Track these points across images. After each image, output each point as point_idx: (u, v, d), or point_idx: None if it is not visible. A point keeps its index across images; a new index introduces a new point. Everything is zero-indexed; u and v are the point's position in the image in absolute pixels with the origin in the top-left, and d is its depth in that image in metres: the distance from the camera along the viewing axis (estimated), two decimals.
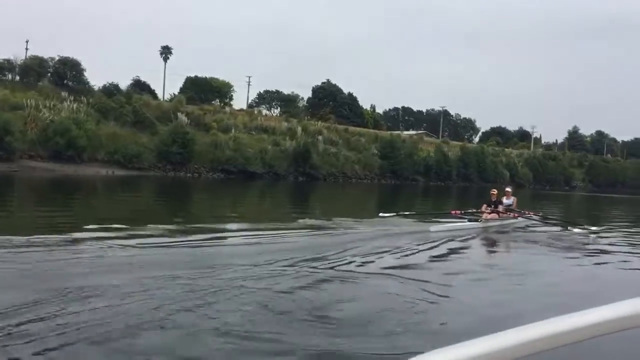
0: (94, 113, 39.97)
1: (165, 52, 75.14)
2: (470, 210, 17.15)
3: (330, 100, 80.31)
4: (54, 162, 34.26)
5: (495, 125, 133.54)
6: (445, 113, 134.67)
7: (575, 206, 39.12)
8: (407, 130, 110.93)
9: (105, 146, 37.32)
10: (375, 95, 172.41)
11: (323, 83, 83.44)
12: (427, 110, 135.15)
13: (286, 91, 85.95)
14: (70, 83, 43.89)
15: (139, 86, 70.91)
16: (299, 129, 56.36)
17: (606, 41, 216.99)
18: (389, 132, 72.39)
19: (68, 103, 37.91)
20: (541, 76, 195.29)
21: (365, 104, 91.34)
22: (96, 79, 67.95)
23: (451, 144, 77.46)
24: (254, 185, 39.30)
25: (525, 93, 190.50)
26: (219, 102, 68.73)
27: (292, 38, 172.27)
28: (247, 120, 54.58)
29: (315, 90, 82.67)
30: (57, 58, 43.84)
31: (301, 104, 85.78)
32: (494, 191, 17.40)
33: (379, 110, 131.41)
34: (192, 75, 70.84)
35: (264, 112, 70.06)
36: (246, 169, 44.83)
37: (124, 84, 71.15)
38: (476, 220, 16.01)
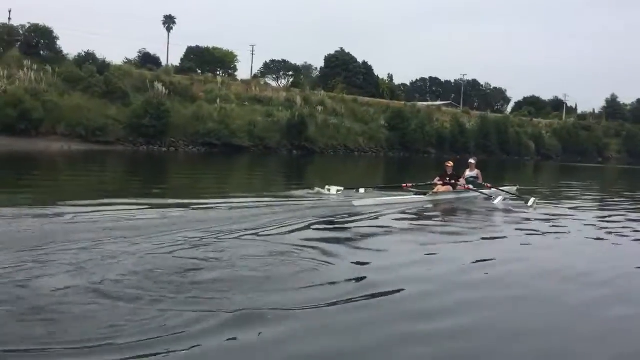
0: (60, 83, 37.06)
1: (169, 21, 72.13)
2: (423, 184, 15.80)
3: (343, 70, 76.04)
4: (6, 136, 31.47)
5: (528, 94, 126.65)
6: (474, 83, 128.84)
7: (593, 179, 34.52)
8: (435, 101, 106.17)
9: (66, 119, 34.39)
10: (401, 65, 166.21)
11: (336, 52, 79.08)
12: (456, 81, 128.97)
13: (299, 62, 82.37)
14: (42, 52, 41.03)
15: (148, 59, 68.36)
16: (298, 99, 52.65)
17: None
18: (403, 102, 67.83)
19: (25, 72, 34.92)
20: (578, 43, 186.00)
21: (388, 74, 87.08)
22: (107, 53, 65.71)
23: (472, 114, 72.46)
24: (233, 159, 35.93)
25: (561, 61, 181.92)
26: (222, 72, 65.51)
27: (312, 8, 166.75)
28: (241, 91, 51.12)
29: (328, 59, 78.45)
30: (27, 26, 41.01)
31: (314, 74, 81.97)
32: (449, 163, 15.98)
33: (405, 81, 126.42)
34: (194, 45, 67.62)
35: (271, 83, 66.79)
36: (231, 142, 41.47)
37: (131, 56, 69.57)
38: (425, 194, 14.86)
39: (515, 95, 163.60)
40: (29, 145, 31.05)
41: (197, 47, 67.14)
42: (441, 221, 12.53)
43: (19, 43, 40.83)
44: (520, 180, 22.93)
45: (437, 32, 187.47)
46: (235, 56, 68.16)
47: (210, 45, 67.53)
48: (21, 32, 41.03)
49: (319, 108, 52.04)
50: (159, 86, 40.71)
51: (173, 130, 39.69)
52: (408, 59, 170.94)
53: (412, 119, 58.22)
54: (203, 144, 40.48)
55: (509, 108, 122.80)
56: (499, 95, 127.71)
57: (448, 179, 15.56)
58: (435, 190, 15.25)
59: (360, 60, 79.37)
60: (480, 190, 15.93)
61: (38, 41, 41.23)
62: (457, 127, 61.62)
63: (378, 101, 64.34)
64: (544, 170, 47.03)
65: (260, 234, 8.49)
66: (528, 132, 73.00)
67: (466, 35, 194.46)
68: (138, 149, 37.15)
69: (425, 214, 12.95)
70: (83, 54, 41.56)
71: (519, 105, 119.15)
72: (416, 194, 15.00)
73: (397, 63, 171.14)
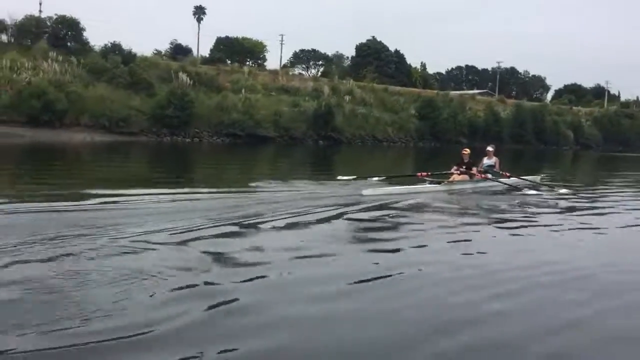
0: (85, 75, 37.22)
1: (199, 12, 72.07)
2: (438, 172, 15.12)
3: (375, 59, 74.81)
4: (30, 128, 31.77)
5: (569, 82, 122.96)
6: (512, 70, 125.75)
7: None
8: (471, 90, 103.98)
9: (89, 110, 34.50)
10: (436, 53, 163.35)
11: (368, 40, 77.84)
12: (493, 69, 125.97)
13: (330, 51, 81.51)
14: (69, 44, 41.29)
15: (179, 50, 68.56)
16: (326, 88, 51.92)
17: None
18: (435, 91, 66.37)
19: (49, 63, 35.11)
20: (622, 28, 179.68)
21: (421, 63, 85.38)
22: (138, 45, 66.11)
23: (508, 103, 70.42)
24: (257, 150, 35.52)
25: (603, 47, 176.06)
26: (252, 63, 65.17)
27: None
28: (268, 81, 50.66)
29: (359, 48, 77.30)
30: (55, 17, 41.32)
31: (346, 63, 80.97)
32: (466, 150, 15.28)
33: (441, 69, 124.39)
34: (224, 35, 67.35)
35: (300, 72, 66.10)
36: (256, 133, 41.08)
37: (162, 48, 69.85)
38: (439, 183, 14.30)
39: (556, 83, 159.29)
40: (53, 137, 31.27)
41: (227, 37, 66.90)
42: (455, 211, 11.57)
43: (46, 35, 41.06)
44: (555, 170, 21.89)
45: (473, 19, 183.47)
46: (265, 46, 67.73)
47: (240, 36, 67.07)
48: (49, 23, 41.28)
49: (347, 97, 51.16)
50: (183, 76, 40.52)
51: (197, 121, 39.52)
52: (444, 47, 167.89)
53: (443, 108, 56.90)
54: (227, 134, 40.20)
55: (549, 96, 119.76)
56: (538, 83, 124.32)
57: (465, 167, 14.90)
58: (451, 179, 14.67)
59: (392, 49, 78.10)
60: (499, 180, 15.19)
61: (65, 33, 41.46)
62: (491, 115, 59.88)
63: (409, 90, 63.04)
64: (581, 160, 45.28)
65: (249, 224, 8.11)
66: (567, 120, 70.55)
67: (502, 21, 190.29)
68: (162, 140, 37.10)
69: (437, 203, 12.14)
70: (109, 45, 41.68)
71: (559, 93, 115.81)
72: (431, 183, 14.36)
73: (432, 51, 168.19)
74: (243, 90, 43.86)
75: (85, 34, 42.14)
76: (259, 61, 66.69)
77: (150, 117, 36.94)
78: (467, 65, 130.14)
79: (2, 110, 31.69)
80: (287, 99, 47.63)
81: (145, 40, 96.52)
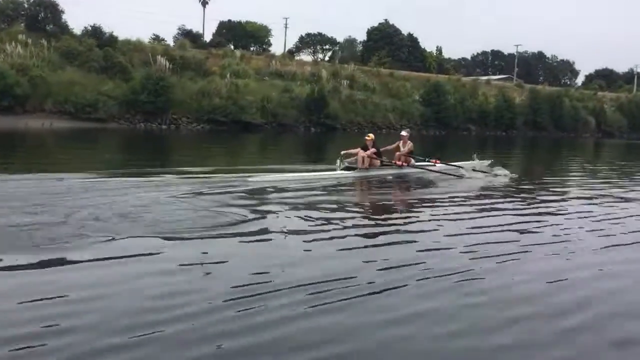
0: (57, 58, 35.50)
1: None
2: (352, 159, 14.43)
3: (387, 43, 71.73)
4: None
5: (600, 67, 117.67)
6: (539, 55, 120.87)
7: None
8: (496, 75, 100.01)
9: (55, 95, 32.76)
10: (461, 38, 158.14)
11: (380, 24, 74.74)
12: (519, 53, 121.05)
13: (341, 36, 78.85)
14: (48, 27, 39.64)
15: (189, 36, 66.74)
16: (324, 73, 49.37)
17: None
18: (447, 76, 63.06)
19: (12, 46, 33.42)
20: None
21: (437, 47, 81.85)
22: (144, 31, 64.28)
23: (526, 88, 66.61)
24: (236, 137, 33.32)
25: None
26: (256, 47, 62.94)
27: None
28: (262, 66, 48.34)
29: (370, 32, 74.28)
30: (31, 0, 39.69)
31: (358, 48, 78.05)
32: (369, 136, 14.74)
33: (466, 54, 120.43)
34: (226, 19, 65.18)
35: (306, 57, 63.53)
36: (240, 119, 38.86)
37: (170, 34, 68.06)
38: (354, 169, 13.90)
39: (587, 68, 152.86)
40: (9, 123, 29.55)
41: (229, 21, 64.72)
42: (335, 200, 10.40)
43: (24, 18, 39.52)
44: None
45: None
46: (269, 30, 65.28)
47: (244, 20, 64.84)
48: (26, 6, 39.70)
49: (344, 82, 48.51)
50: (161, 60, 38.44)
51: (175, 107, 37.52)
52: (467, 31, 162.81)
53: (451, 93, 53.82)
54: (209, 121, 38.08)
55: (579, 82, 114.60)
56: (567, 68, 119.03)
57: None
58: (360, 165, 14.10)
59: (412, 33, 74.87)
60: (424, 166, 14.97)
61: (44, 16, 39.83)
62: (503, 101, 56.43)
63: (418, 75, 59.92)
64: (585, 148, 41.84)
65: None
66: (588, 106, 66.38)
67: (531, 4, 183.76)
68: (135, 127, 35.20)
69: (333, 190, 11.64)
70: (89, 28, 39.91)
71: (589, 78, 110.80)
72: (346, 169, 13.86)
73: (454, 36, 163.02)
74: (228, 75, 41.63)
75: (64, 16, 40.48)
76: (264, 46, 64.47)
77: (122, 102, 35.02)
78: (492, 50, 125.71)
79: None
80: (281, 84, 45.27)
81: (153, 27, 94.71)
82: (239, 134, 36.05)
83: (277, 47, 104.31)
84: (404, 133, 15.68)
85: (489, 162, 16.84)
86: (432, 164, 15.13)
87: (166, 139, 30.31)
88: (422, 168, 14.88)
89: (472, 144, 42.76)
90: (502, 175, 14.34)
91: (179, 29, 69.54)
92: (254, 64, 47.73)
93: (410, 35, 74.65)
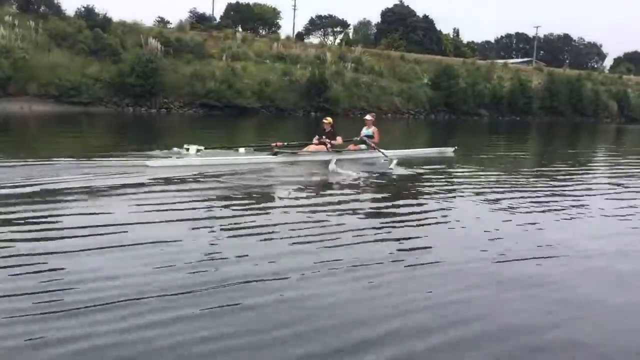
0: (46, 40, 34.50)
1: None
2: (296, 143, 14.31)
3: (401, 25, 69.52)
4: None
5: (630, 50, 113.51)
6: (565, 37, 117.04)
7: None
8: (519, 58, 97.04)
9: (39, 78, 31.80)
10: (485, 20, 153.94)
11: (395, 5, 72.48)
12: (545, 36, 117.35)
13: (355, 18, 76.69)
14: (41, 9, 38.65)
15: (202, 19, 65.58)
16: (328, 55, 47.68)
17: None
18: (460, 59, 60.78)
19: None
20: None
21: (454, 29, 79.09)
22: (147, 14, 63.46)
23: (545, 71, 63.85)
24: (227, 121, 32.10)
25: None
26: (265, 30, 61.42)
27: None
28: (265, 48, 46.80)
29: (384, 14, 72.09)
30: None
31: (372, 30, 75.92)
32: (326, 119, 14.44)
33: (489, 37, 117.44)
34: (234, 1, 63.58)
35: (314, 40, 61.72)
36: (235, 104, 37.53)
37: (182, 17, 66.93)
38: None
39: (615, 51, 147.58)
40: None
41: (237, 3, 63.18)
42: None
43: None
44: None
45: None
46: (278, 12, 63.55)
47: (252, 2, 63.18)
48: None
49: (349, 65, 46.78)
50: (152, 42, 37.20)
51: (168, 91, 36.35)
52: (492, 14, 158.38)
53: (462, 77, 51.69)
54: (202, 105, 36.84)
55: (607, 65, 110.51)
56: (594, 51, 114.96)
57: (325, 137, 14.07)
58: (304, 149, 13.80)
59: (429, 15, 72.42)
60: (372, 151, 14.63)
61: None
62: (518, 85, 54.01)
63: (431, 58, 57.73)
64: (598, 134, 39.63)
65: None
66: (611, 91, 63.42)
67: None
68: (122, 111, 34.12)
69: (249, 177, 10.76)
70: (82, 9, 38.81)
71: (617, 62, 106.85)
72: (282, 155, 13.16)
73: (478, 19, 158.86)
74: (224, 57, 40.26)
75: None
76: (273, 28, 62.85)
77: (109, 85, 33.94)
78: (517, 33, 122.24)
79: None
80: (282, 67, 43.73)
81: (162, 9, 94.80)
82: (233, 118, 34.81)
83: (287, 29, 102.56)
84: (368, 117, 15.44)
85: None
86: (373, 149, 14.71)
87: (147, 123, 29.18)
88: (360, 155, 14.57)
89: (490, 128, 41.24)
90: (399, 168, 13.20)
91: (190, 11, 68.49)
92: (256, 47, 46.19)
93: (425, 17, 72.22)
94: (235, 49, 43.70)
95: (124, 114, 33.41)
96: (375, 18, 79.83)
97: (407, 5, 71.63)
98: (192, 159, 11.84)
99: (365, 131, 15.05)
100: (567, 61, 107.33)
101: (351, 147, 14.96)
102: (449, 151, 17.24)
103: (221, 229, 6.81)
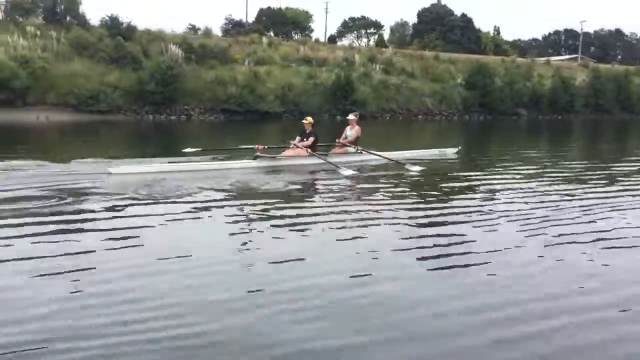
0: (67, 50, 34.66)
1: None
2: (276, 146, 13.83)
3: (438, 25, 67.65)
4: None
5: None
6: (617, 33, 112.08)
7: None
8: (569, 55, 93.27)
9: (58, 87, 31.90)
10: (531, 18, 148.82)
11: (432, 4, 70.67)
12: (596, 32, 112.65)
13: (389, 19, 75.25)
14: (65, 19, 39.02)
15: (237, 26, 65.75)
16: (357, 58, 46.54)
17: None
18: (499, 57, 58.51)
19: (14, 38, 32.72)
20: None
21: (494, 27, 76.52)
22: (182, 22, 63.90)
23: (590, 68, 60.82)
24: (247, 127, 31.40)
25: None
26: (296, 34, 60.77)
27: None
28: (291, 52, 46.07)
29: (421, 13, 70.35)
30: None
31: (408, 31, 74.28)
32: (306, 119, 13.71)
33: (537, 35, 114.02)
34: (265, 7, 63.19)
35: (348, 43, 60.52)
36: (257, 109, 36.85)
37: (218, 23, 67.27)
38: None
39: None
40: (7, 117, 28.78)
41: (269, 8, 62.80)
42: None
43: (40, 10, 39.09)
44: None
45: None
46: (310, 16, 62.84)
47: (284, 6, 62.72)
48: None
49: (377, 67, 45.52)
50: (172, 48, 36.94)
51: (188, 97, 36.00)
52: (539, 10, 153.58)
53: (499, 76, 49.64)
54: (223, 111, 36.32)
55: None
56: None
57: (306, 139, 13.43)
58: (283, 153, 13.12)
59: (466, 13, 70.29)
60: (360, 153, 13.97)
61: (62, 8, 39.27)
62: (560, 82, 51.50)
63: (467, 57, 55.77)
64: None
65: None
66: None
67: None
68: (142, 118, 33.89)
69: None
70: (107, 18, 38.98)
71: None
72: (262, 159, 12.54)
73: (524, 15, 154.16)
74: (247, 62, 39.71)
75: (82, 8, 39.78)
76: (306, 32, 62.17)
77: (129, 93, 33.79)
78: (565, 30, 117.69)
79: None
80: (308, 70, 42.86)
81: (200, 17, 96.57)
82: (254, 123, 34.11)
83: (320, 33, 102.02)
84: (351, 117, 14.67)
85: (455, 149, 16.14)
86: (360, 152, 14.07)
87: (160, 130, 28.78)
88: (346, 159, 13.59)
89: (529, 127, 39.45)
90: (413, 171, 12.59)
91: (226, 18, 68.66)
92: (282, 51, 45.50)
93: (464, 15, 70.08)
94: (261, 54, 43.13)
95: (143, 121, 33.16)
96: (412, 18, 77.76)
97: (445, 5, 69.88)
98: (156, 165, 11.45)
99: (348, 132, 14.30)
100: (619, 57, 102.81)
101: (337, 149, 14.24)
102: (451, 152, 16.12)
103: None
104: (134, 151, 17.62)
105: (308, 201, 9.58)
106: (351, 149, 14.07)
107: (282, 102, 38.42)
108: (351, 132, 14.22)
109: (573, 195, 10.21)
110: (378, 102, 42.90)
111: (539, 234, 7.20)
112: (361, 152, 14.02)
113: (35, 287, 4.95)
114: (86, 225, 7.15)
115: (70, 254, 5.84)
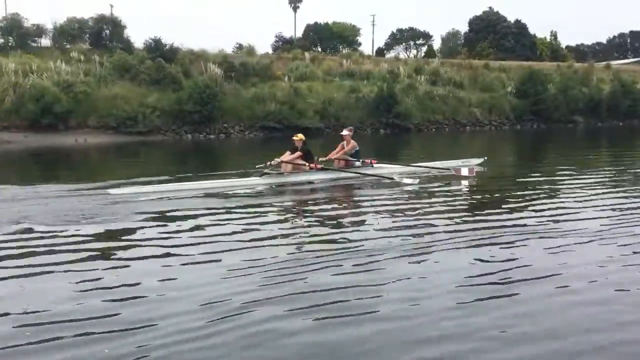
0: (110, 73, 35.41)
1: (295, 0, 68.61)
2: (262, 165, 12.97)
3: (490, 32, 65.69)
4: (32, 132, 30.46)
5: None
6: None
7: None
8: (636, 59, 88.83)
9: (99, 110, 32.53)
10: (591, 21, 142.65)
11: (483, 12, 68.72)
12: None
13: (439, 30, 73.68)
14: (109, 43, 40.08)
15: (285, 43, 66.21)
16: (402, 69, 45.58)
17: None
18: (554, 63, 56.09)
19: (58, 64, 33.61)
20: None
21: (551, 32, 73.58)
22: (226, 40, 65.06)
23: None
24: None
25: None
26: (345, 48, 60.26)
27: None
28: (334, 66, 45.61)
29: (472, 22, 68.54)
30: (95, 17, 40.32)
31: (460, 40, 72.48)
32: (297, 136, 13.49)
33: (601, 39, 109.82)
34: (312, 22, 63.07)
35: (395, 55, 59.52)
36: (296, 124, 36.43)
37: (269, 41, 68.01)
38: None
39: None
40: (47, 141, 29.56)
41: (316, 23, 62.62)
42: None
43: (87, 35, 40.30)
44: None
45: None
46: (358, 29, 62.22)
47: (331, 21, 62.42)
48: (91, 24, 40.39)
49: (422, 78, 44.38)
50: (212, 67, 37.14)
51: (227, 115, 36.01)
52: (602, 12, 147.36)
53: (554, 82, 47.51)
54: (262, 127, 36.11)
55: None
56: None
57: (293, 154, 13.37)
58: (284, 169, 13.02)
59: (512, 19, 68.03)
60: (358, 169, 13.63)
61: (108, 33, 40.38)
62: (620, 87, 48.75)
63: (519, 64, 53.72)
64: None
65: None
66: None
67: None
68: (180, 138, 34.07)
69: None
70: (150, 41, 39.68)
71: None
72: (261, 175, 12.66)
73: (587, 19, 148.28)
74: (287, 78, 39.49)
75: (126, 31, 40.79)
76: (354, 46, 61.62)
77: (167, 114, 34.09)
78: (631, 32, 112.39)
79: (5, 116, 30.72)
80: (350, 84, 42.25)
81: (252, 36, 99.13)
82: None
83: (368, 46, 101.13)
84: (345, 132, 14.36)
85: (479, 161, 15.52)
86: (367, 165, 13.89)
87: (197, 149, 28.80)
88: (354, 172, 13.50)
89: (586, 135, 37.60)
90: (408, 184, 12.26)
91: (276, 36, 69.10)
92: (325, 66, 45.11)
93: (517, 21, 67.79)
94: (303, 69, 42.84)
95: (182, 141, 33.34)
96: (463, 27, 75.78)
97: (497, 11, 67.66)
98: (156, 187, 11.77)
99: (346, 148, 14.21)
100: None
101: (340, 163, 14.08)
102: (475, 162, 15.13)
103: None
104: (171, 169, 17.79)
105: (355, 221, 9.26)
106: (357, 163, 13.98)
107: (322, 117, 37.88)
108: (347, 147, 14.11)
109: None
110: (423, 113, 41.74)
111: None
112: (371, 165, 13.96)
113: None
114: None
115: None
